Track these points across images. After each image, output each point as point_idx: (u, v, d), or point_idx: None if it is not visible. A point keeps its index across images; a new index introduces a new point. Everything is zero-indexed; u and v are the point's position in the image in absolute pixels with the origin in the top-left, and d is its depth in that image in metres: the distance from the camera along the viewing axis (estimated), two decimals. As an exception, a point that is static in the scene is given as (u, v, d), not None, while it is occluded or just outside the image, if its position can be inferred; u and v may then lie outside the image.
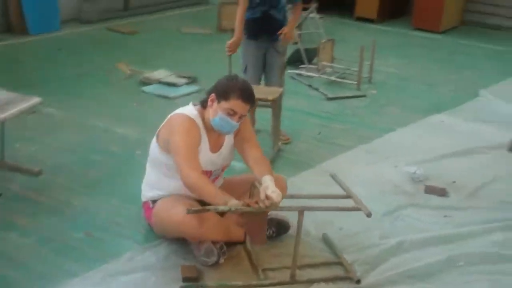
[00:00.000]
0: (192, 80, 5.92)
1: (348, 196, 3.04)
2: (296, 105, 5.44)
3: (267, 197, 2.79)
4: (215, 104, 3.00)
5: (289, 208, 2.88)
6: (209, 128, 3.08)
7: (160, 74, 5.97)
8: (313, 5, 7.17)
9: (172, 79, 5.85)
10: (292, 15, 4.52)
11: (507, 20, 9.41)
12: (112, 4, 8.61)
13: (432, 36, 8.80)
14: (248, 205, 2.74)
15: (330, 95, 5.78)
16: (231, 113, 2.97)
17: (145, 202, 3.21)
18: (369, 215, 2.87)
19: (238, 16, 4.36)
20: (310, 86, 6.07)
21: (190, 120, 3.04)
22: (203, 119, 3.09)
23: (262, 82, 4.75)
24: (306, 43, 6.89)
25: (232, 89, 2.96)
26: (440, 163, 4.41)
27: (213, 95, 3.01)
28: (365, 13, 9.52)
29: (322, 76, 6.31)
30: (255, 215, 2.77)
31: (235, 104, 2.95)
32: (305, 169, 4.18)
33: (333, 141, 4.76)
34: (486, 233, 3.46)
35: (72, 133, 4.59)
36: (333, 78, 6.27)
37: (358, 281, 2.93)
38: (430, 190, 3.94)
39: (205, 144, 3.08)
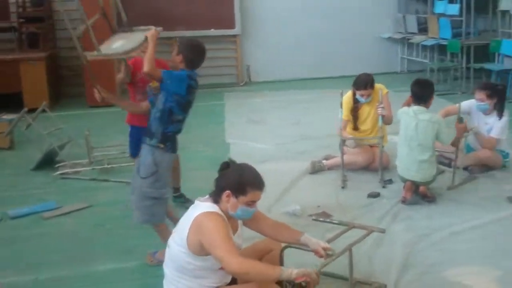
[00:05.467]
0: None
1: (353, 226, 3.61)
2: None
3: (325, 248, 3.18)
4: (232, 199, 3.06)
5: (342, 252, 3.28)
6: (228, 216, 3.17)
7: None
8: (43, 103, 6.89)
9: None
10: None
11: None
12: None
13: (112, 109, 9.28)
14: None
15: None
16: (251, 204, 3.11)
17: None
18: (383, 231, 3.58)
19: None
20: (106, 180, 5.93)
21: (217, 214, 3.08)
22: (221, 210, 3.16)
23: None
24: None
25: (246, 183, 3.06)
26: (289, 198, 5.17)
27: (228, 192, 3.06)
28: (35, 103, 9.29)
29: (96, 167, 6.24)
30: None
31: (254, 195, 3.08)
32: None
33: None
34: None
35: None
36: (107, 165, 6.25)
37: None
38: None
39: (230, 232, 3.17)
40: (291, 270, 2.86)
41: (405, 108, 5.04)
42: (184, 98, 4.00)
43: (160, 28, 4.17)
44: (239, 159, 6.24)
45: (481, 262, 3.93)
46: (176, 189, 5.23)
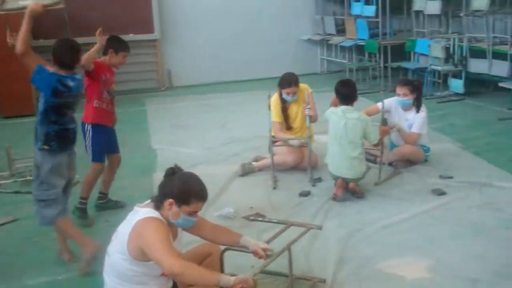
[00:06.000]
0: None
1: (291, 224, 3.65)
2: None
3: (264, 249, 3.22)
4: (174, 208, 3.02)
5: (281, 252, 3.30)
6: (168, 223, 3.13)
7: None
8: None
9: None
10: None
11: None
12: None
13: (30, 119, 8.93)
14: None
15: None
16: (193, 214, 3.09)
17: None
18: (320, 228, 3.65)
19: None
20: (30, 192, 5.61)
21: (157, 219, 3.04)
22: (162, 216, 3.12)
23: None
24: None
25: (190, 193, 3.02)
26: (222, 201, 5.16)
27: (171, 201, 3.01)
28: None
29: (18, 179, 5.98)
30: None
31: (197, 206, 3.06)
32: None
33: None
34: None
35: None
36: (29, 177, 5.99)
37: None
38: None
39: (170, 236, 3.13)
40: (228, 277, 2.85)
41: (333, 108, 5.15)
42: (51, 100, 3.86)
43: (60, 6, 3.90)
44: (167, 165, 6.22)
45: (412, 253, 4.08)
46: (104, 195, 5.11)
